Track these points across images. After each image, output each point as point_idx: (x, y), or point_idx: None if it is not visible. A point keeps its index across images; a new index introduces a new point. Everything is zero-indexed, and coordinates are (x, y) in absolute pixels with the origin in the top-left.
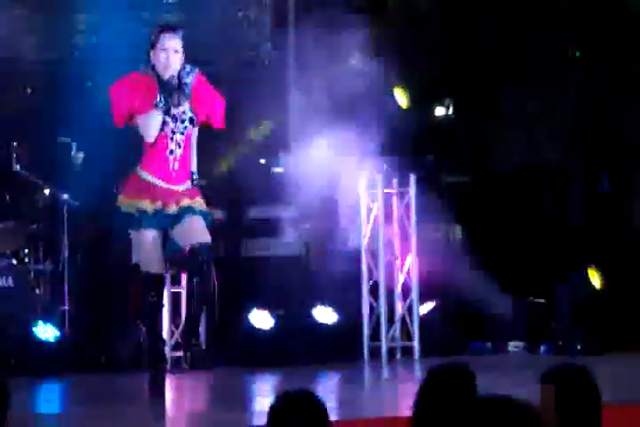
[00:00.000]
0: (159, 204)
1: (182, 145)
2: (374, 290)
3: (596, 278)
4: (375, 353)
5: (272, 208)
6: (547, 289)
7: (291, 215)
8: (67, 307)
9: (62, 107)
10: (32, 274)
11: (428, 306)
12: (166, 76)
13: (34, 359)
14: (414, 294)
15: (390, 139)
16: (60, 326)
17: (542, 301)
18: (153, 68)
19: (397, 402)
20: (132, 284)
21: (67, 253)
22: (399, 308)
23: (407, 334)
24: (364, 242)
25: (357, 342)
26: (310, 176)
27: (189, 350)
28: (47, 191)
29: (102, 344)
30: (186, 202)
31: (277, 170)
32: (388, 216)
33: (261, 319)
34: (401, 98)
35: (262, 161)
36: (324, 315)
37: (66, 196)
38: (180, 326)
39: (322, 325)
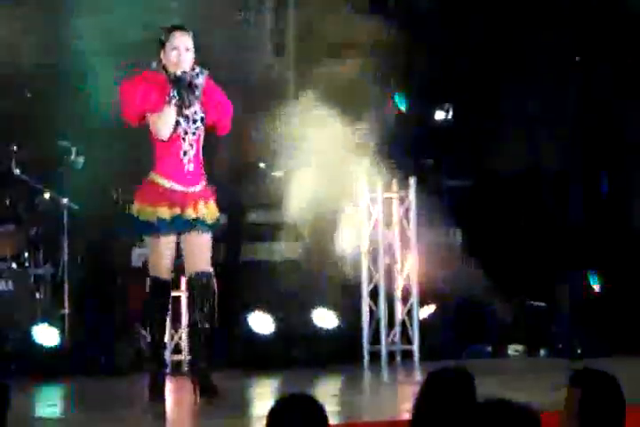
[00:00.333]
0: (177, 209)
1: (194, 146)
2: (374, 294)
3: (596, 282)
4: (375, 357)
5: (272, 212)
6: (547, 292)
7: (290, 219)
8: (67, 310)
9: (62, 110)
10: (32, 278)
11: (427, 310)
12: (178, 74)
13: (34, 363)
14: (414, 298)
15: (390, 142)
16: (60, 330)
17: (542, 304)
18: (164, 67)
19: (397, 406)
20: (133, 286)
21: (67, 257)
22: (399, 312)
23: (407, 338)
24: (364, 246)
25: (357, 345)
26: (310, 180)
27: (197, 375)
28: (47, 195)
29: (102, 348)
30: (202, 207)
31: (277, 174)
32: (387, 220)
33: (261, 323)
34: (400, 100)
35: (262, 165)
36: (324, 319)
37: (66, 200)
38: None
39: (321, 328)
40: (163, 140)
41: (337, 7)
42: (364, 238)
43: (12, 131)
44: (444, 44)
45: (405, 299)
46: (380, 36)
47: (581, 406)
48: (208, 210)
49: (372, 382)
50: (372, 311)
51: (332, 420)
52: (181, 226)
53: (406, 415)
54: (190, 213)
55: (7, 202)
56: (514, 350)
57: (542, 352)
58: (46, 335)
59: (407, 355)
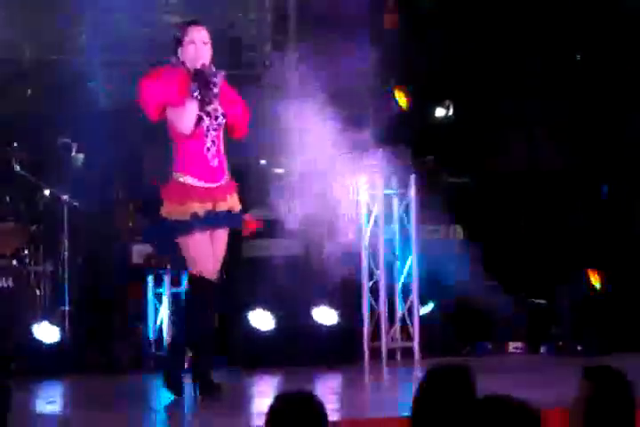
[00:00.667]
0: (209, 205)
1: (217, 142)
2: (374, 291)
3: (596, 280)
4: (375, 354)
5: (272, 209)
6: (547, 289)
7: (291, 216)
8: (67, 308)
9: (62, 107)
10: (32, 275)
11: (428, 307)
12: (198, 66)
13: (34, 360)
14: (414, 295)
15: (390, 139)
16: (61, 327)
17: (543, 301)
18: (183, 64)
19: (397, 403)
20: (134, 283)
21: (67, 254)
22: (399, 308)
23: (407, 335)
24: (365, 243)
25: (357, 342)
26: (310, 177)
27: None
28: (47, 192)
29: (103, 345)
30: (231, 200)
31: (278, 171)
32: (388, 217)
33: (261, 320)
34: (401, 98)
35: (263, 162)
36: (324, 315)
37: (66, 196)
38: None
39: (322, 325)
40: (186, 137)
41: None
42: (365, 235)
43: (13, 128)
44: (444, 42)
45: (406, 296)
46: (380, 34)
47: (591, 401)
48: (234, 202)
49: (373, 379)
50: (372, 308)
51: (333, 417)
52: (215, 221)
53: (406, 413)
54: (221, 206)
55: (7, 199)
56: (514, 347)
57: (543, 349)
58: (46, 333)
59: (407, 352)
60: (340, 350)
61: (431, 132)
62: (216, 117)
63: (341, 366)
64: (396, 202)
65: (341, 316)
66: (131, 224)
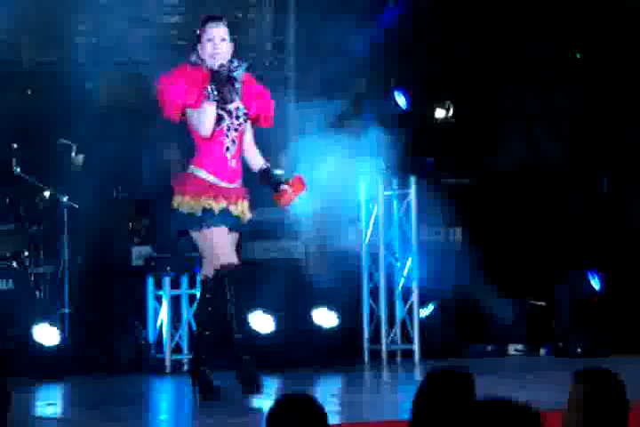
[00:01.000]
0: (224, 203)
1: (236, 142)
2: (374, 293)
3: (596, 281)
4: (375, 356)
5: (272, 211)
6: (547, 290)
7: (290, 218)
8: (67, 309)
9: (63, 108)
10: (32, 276)
11: (428, 309)
12: (216, 67)
13: (34, 362)
14: (415, 297)
15: (390, 140)
16: (61, 329)
17: (542, 303)
18: (202, 62)
19: (397, 405)
20: (133, 285)
21: (67, 256)
22: (399, 311)
23: (407, 337)
24: (365, 244)
25: (357, 344)
26: (310, 178)
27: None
28: (47, 193)
29: (103, 346)
30: (241, 205)
31: (277, 172)
32: (388, 218)
33: (261, 322)
34: (401, 99)
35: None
36: (324, 318)
37: (66, 198)
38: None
39: (322, 327)
40: (205, 136)
41: (337, 7)
42: (365, 237)
43: (13, 129)
44: (444, 43)
45: (406, 298)
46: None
47: (585, 404)
48: (244, 209)
49: (373, 382)
50: (372, 310)
51: (332, 420)
52: (229, 220)
53: (406, 415)
54: (233, 210)
55: (7, 200)
56: (514, 349)
57: (543, 351)
58: (46, 334)
59: (407, 354)
60: (340, 352)
61: (431, 133)
62: (237, 117)
63: (341, 369)
64: (395, 203)
65: (341, 318)
66: (130, 226)
